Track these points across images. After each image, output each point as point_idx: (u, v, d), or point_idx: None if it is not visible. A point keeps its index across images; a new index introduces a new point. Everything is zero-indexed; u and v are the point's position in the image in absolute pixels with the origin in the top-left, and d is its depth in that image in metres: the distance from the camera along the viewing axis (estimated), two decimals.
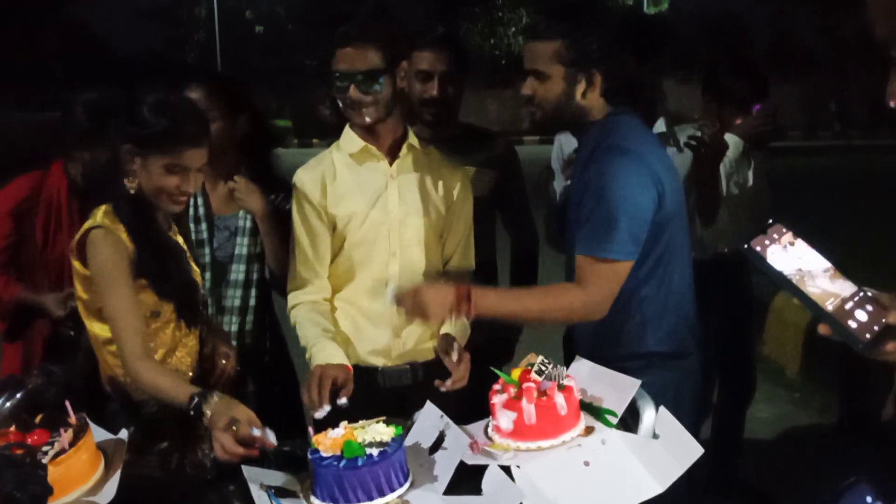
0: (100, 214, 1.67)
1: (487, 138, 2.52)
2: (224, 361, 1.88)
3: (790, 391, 4.03)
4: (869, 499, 1.03)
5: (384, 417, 1.51)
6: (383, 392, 1.93)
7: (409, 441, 1.54)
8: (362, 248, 1.92)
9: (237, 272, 2.20)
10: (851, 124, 16.57)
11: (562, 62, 1.76)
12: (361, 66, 1.81)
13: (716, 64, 2.91)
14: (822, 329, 1.06)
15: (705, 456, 1.40)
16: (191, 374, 1.80)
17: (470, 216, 1.99)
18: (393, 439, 1.44)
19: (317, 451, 1.44)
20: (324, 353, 1.83)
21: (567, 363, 1.63)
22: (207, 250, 2.18)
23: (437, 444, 1.52)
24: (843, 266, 1.10)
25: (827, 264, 1.08)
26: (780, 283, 1.08)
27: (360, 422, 1.50)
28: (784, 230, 1.10)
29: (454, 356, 1.78)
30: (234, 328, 2.19)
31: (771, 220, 1.11)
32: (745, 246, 1.09)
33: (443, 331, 1.92)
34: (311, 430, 1.58)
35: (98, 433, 1.55)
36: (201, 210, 2.19)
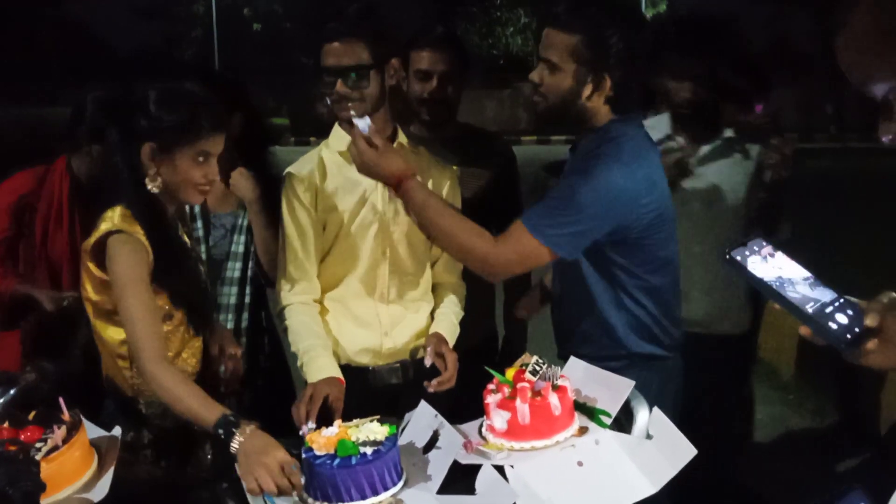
0: (117, 217, 1.64)
1: (485, 139, 2.52)
2: (231, 364, 1.88)
3: (784, 393, 4.04)
4: None
5: (378, 416, 1.51)
6: (374, 391, 1.92)
7: (403, 440, 1.54)
8: (352, 247, 1.92)
9: (233, 269, 2.21)
10: (848, 127, 16.61)
11: (575, 58, 1.73)
12: (348, 62, 1.81)
13: (718, 63, 2.89)
14: (804, 331, 1.07)
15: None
16: (195, 374, 1.79)
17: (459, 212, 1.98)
18: (387, 438, 1.44)
19: (311, 449, 1.44)
20: (316, 363, 1.81)
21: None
22: (203, 248, 2.18)
23: (431, 444, 1.52)
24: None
25: (806, 273, 1.11)
26: (761, 289, 1.11)
27: (354, 420, 1.50)
28: (764, 243, 1.13)
29: (447, 357, 1.79)
30: (231, 325, 2.19)
31: (752, 235, 1.14)
32: (726, 256, 1.11)
33: (432, 330, 1.92)
34: (304, 428, 1.59)
35: (91, 430, 1.55)
36: (196, 207, 2.19)
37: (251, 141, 2.23)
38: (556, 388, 1.49)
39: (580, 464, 1.42)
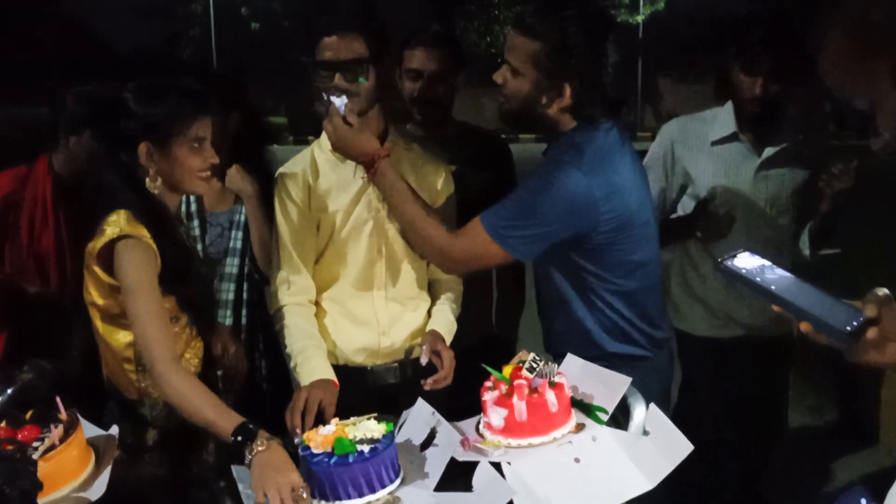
0: (123, 222, 1.63)
1: (482, 137, 2.52)
2: (233, 363, 1.88)
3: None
4: (863, 501, 1.04)
5: (375, 414, 1.51)
6: (372, 391, 1.92)
7: (400, 438, 1.54)
8: (347, 246, 1.91)
9: (231, 266, 2.21)
10: (847, 125, 16.63)
11: (535, 64, 1.72)
12: (347, 55, 1.80)
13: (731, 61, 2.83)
14: (805, 327, 1.08)
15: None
16: (196, 375, 1.78)
17: (453, 212, 1.99)
18: (384, 436, 1.44)
19: (308, 447, 1.44)
20: (309, 365, 1.80)
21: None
22: (200, 247, 2.19)
23: (429, 441, 1.52)
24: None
25: (796, 277, 1.13)
26: (758, 291, 1.13)
27: (352, 418, 1.50)
28: (752, 254, 1.17)
29: (444, 355, 1.80)
30: (229, 322, 2.19)
31: (741, 249, 1.18)
32: (720, 264, 1.15)
33: (429, 327, 1.92)
34: (298, 438, 1.58)
35: (89, 429, 1.55)
36: (193, 206, 2.19)
37: (248, 139, 2.23)
38: (552, 385, 1.49)
39: (577, 460, 1.42)
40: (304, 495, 1.37)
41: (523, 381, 1.49)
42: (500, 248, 1.72)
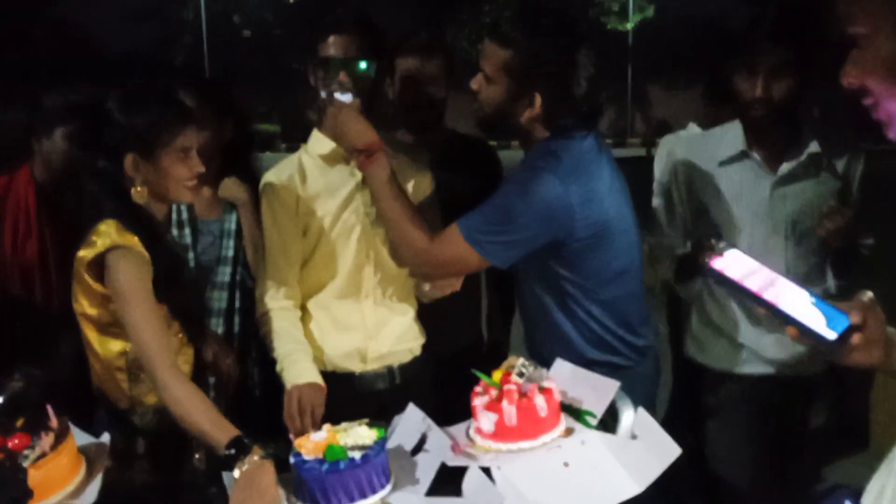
0: (113, 232, 1.63)
1: (471, 144, 2.53)
2: (228, 370, 1.89)
3: None
4: (848, 503, 1.05)
5: (367, 420, 1.51)
6: (361, 397, 1.92)
7: (391, 443, 1.54)
8: (335, 251, 1.92)
9: (223, 274, 2.21)
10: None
11: (506, 73, 1.73)
12: (352, 52, 1.82)
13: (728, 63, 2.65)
14: (791, 332, 1.09)
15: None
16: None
17: (438, 218, 1.98)
18: (375, 442, 1.45)
19: (299, 454, 1.45)
20: (296, 368, 1.81)
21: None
22: (191, 255, 2.18)
23: (419, 446, 1.53)
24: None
25: (787, 280, 1.13)
26: (743, 296, 1.14)
27: (343, 424, 1.51)
28: (741, 253, 1.16)
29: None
30: (221, 330, 2.19)
31: (723, 243, 1.16)
32: (706, 267, 1.14)
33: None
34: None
35: (80, 437, 1.55)
36: (184, 214, 2.19)
37: (239, 146, 2.24)
38: (542, 389, 1.50)
39: (566, 464, 1.43)
40: None
41: (513, 386, 1.50)
42: (477, 254, 1.72)
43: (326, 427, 1.51)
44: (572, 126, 1.76)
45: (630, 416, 1.50)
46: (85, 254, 1.64)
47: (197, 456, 1.76)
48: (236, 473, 1.43)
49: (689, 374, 2.31)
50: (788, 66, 1.92)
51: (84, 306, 1.67)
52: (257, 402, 2.24)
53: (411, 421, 1.58)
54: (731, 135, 2.09)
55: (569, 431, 1.50)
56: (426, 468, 1.46)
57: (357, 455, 1.41)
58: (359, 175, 1.92)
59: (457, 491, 1.40)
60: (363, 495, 1.41)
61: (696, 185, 2.14)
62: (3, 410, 1.47)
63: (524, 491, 1.37)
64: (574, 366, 1.63)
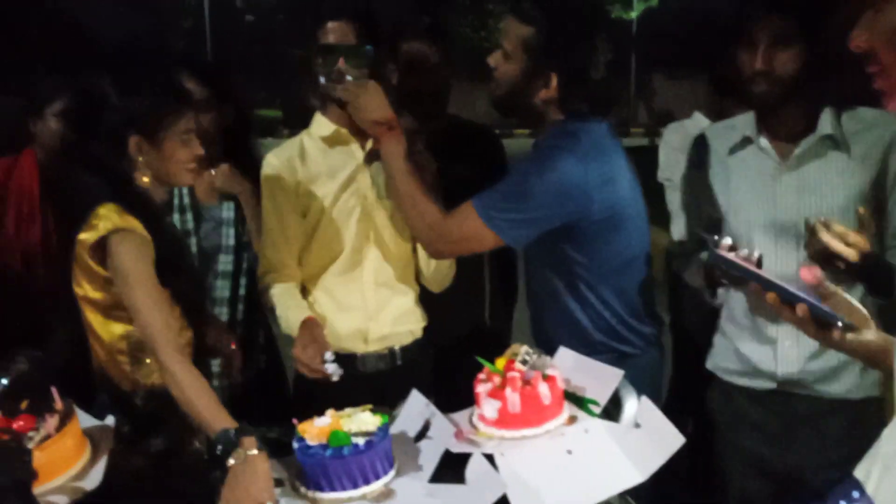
0: (114, 215, 1.64)
1: (474, 131, 2.52)
2: (230, 356, 1.89)
3: None
4: (856, 494, 1.05)
5: (371, 406, 1.52)
6: (362, 378, 1.92)
7: (394, 429, 1.55)
8: (335, 232, 1.92)
9: (225, 263, 2.21)
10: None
11: (524, 50, 1.75)
12: (351, 39, 1.82)
13: (723, 58, 2.51)
14: (801, 310, 1.10)
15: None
16: None
17: (440, 204, 1.99)
18: (379, 428, 1.45)
19: (303, 439, 1.45)
20: (295, 313, 1.83)
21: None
22: (194, 240, 2.18)
23: (423, 433, 1.53)
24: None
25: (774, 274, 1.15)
26: (750, 277, 1.14)
27: (347, 409, 1.51)
28: (735, 243, 1.19)
29: None
30: (226, 318, 2.19)
31: (727, 238, 1.19)
32: (708, 255, 1.17)
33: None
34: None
35: (84, 419, 1.56)
36: (186, 199, 2.19)
37: (239, 132, 2.23)
38: (545, 377, 1.50)
39: (569, 452, 1.43)
40: None
41: (517, 374, 1.50)
42: (491, 232, 1.72)
43: (330, 412, 1.51)
44: (587, 111, 1.77)
45: (633, 405, 1.50)
46: (86, 237, 1.64)
47: (198, 440, 1.77)
48: (229, 464, 1.43)
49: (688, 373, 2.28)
50: (790, 37, 1.69)
51: (86, 289, 1.68)
52: (262, 387, 2.24)
53: (415, 407, 1.59)
54: (741, 122, 1.86)
55: (572, 419, 1.51)
56: (430, 455, 1.47)
57: (361, 441, 1.42)
58: (359, 157, 1.93)
59: (460, 478, 1.41)
60: (367, 481, 1.41)
61: (704, 176, 1.90)
62: (7, 392, 1.47)
63: (527, 478, 1.37)
64: (578, 354, 1.63)
